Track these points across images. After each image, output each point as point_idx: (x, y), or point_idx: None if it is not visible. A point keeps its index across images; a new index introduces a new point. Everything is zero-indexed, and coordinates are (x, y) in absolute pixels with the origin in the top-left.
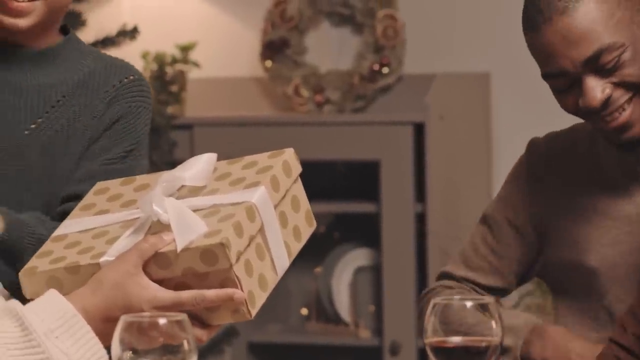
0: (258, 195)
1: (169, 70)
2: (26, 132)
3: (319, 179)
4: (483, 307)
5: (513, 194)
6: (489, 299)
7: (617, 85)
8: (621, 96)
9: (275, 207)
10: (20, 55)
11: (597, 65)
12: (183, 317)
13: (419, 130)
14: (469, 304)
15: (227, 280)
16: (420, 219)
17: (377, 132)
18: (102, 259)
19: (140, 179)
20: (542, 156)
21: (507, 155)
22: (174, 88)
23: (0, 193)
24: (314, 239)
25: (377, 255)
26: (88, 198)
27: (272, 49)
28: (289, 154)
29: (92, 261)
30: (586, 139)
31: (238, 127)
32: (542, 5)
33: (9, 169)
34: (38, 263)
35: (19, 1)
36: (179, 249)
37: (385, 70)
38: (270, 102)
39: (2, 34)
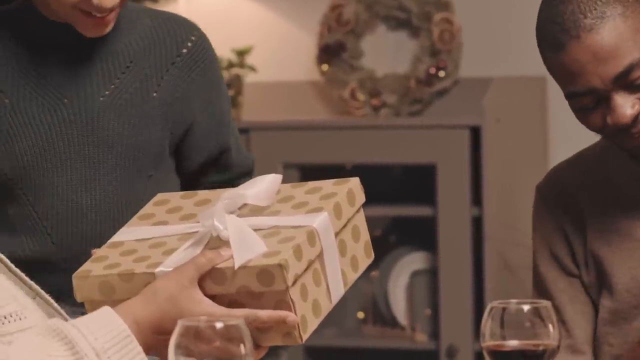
0: (320, 221)
1: (225, 74)
2: (101, 99)
3: (375, 183)
4: (540, 311)
5: (544, 241)
6: (545, 302)
7: None
8: None
9: (336, 234)
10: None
11: (626, 81)
12: (239, 321)
13: (476, 133)
14: (525, 307)
15: (281, 302)
16: (477, 223)
17: (434, 136)
18: (157, 269)
19: (202, 194)
20: (551, 198)
21: (563, 158)
22: (231, 92)
23: (81, 163)
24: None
25: (433, 258)
26: (147, 208)
27: (329, 52)
28: (354, 183)
29: (147, 270)
30: (595, 162)
31: (294, 131)
32: (567, 24)
33: (88, 138)
34: (92, 267)
35: (101, 17)
36: (236, 266)
37: (441, 73)
38: (327, 105)
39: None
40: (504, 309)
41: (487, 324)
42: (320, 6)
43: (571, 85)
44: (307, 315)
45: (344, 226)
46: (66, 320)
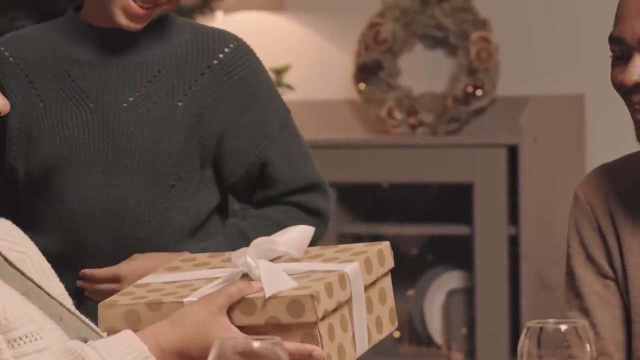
0: (351, 268)
1: None
2: (124, 105)
3: (412, 202)
4: (577, 331)
5: (581, 243)
6: (582, 322)
7: None
8: None
9: (365, 289)
10: (116, 34)
11: None
12: (277, 339)
13: (513, 152)
14: (563, 327)
15: (309, 336)
16: (514, 242)
17: (471, 155)
18: (186, 299)
19: (229, 254)
20: (589, 199)
21: None
22: None
23: (100, 167)
24: (406, 261)
25: (469, 277)
26: (174, 262)
27: (366, 71)
28: (385, 245)
29: (175, 300)
30: (637, 166)
31: (331, 149)
32: None
33: (108, 143)
34: (119, 298)
35: (145, 8)
36: (267, 295)
37: (478, 92)
38: (364, 124)
39: (104, 19)
40: (541, 329)
41: (525, 343)
42: (357, 25)
43: (614, 29)
44: (332, 356)
45: (373, 284)
46: (99, 335)
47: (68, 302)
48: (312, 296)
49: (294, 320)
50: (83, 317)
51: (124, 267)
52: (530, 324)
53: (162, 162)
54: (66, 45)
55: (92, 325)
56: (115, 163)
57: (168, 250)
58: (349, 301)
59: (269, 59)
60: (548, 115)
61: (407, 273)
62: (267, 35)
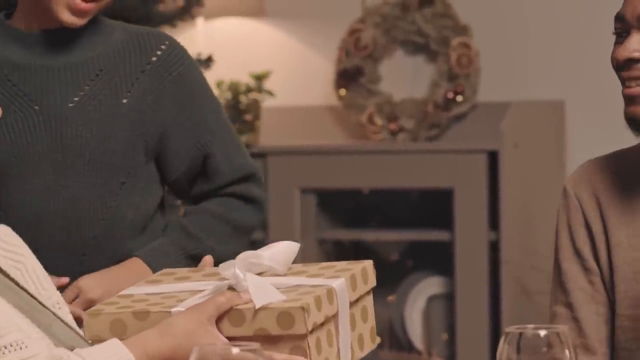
0: (338, 283)
1: (243, 99)
2: (70, 105)
3: (393, 207)
4: (556, 336)
5: (569, 236)
6: (562, 327)
7: None
8: None
9: (349, 305)
10: (52, 36)
11: None
12: (257, 345)
13: (493, 158)
14: (542, 332)
15: (297, 348)
16: (494, 248)
17: (451, 160)
18: (174, 309)
19: (210, 269)
20: (578, 192)
21: None
22: (248, 117)
23: (50, 169)
24: (387, 266)
25: (450, 283)
26: (154, 276)
27: (346, 77)
28: (368, 264)
29: (163, 309)
30: (627, 161)
31: (312, 155)
32: None
33: (57, 144)
34: (104, 307)
35: (87, 2)
36: (257, 307)
37: (459, 98)
38: (344, 130)
39: (39, 22)
40: (520, 334)
41: (504, 349)
42: (338, 31)
43: (620, 7)
44: None
45: (356, 302)
46: (90, 345)
47: (63, 311)
48: (302, 308)
49: (283, 332)
50: (75, 327)
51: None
52: (509, 329)
53: (112, 160)
54: (2, 50)
55: (82, 333)
56: (65, 163)
57: (120, 247)
58: (335, 316)
59: (249, 65)
60: (528, 121)
61: (388, 279)
62: (248, 42)
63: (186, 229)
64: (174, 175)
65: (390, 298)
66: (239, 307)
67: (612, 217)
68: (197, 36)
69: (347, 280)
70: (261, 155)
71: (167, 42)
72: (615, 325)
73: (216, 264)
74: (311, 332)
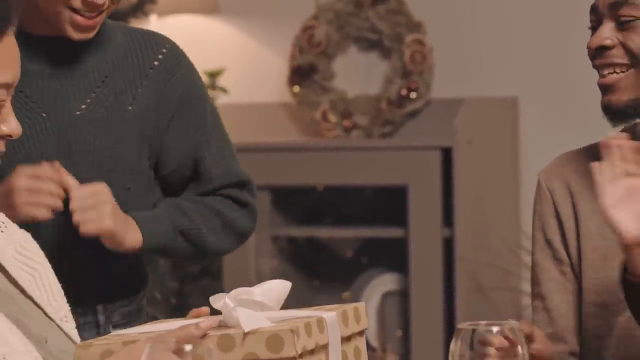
0: (329, 315)
1: None
2: (78, 113)
3: (347, 204)
4: (509, 332)
5: (541, 227)
6: (514, 323)
7: (622, 45)
8: (618, 57)
9: (341, 341)
10: (57, 42)
11: (616, 13)
12: (211, 346)
13: (447, 154)
14: (494, 329)
15: None
16: (448, 244)
17: (405, 157)
18: None
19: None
20: (550, 184)
21: (535, 179)
22: None
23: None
24: (342, 263)
25: (404, 280)
26: (145, 325)
27: (300, 74)
28: (361, 305)
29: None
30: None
31: (266, 152)
32: None
33: (65, 151)
34: (95, 340)
35: (93, 17)
36: (246, 330)
37: (413, 95)
38: (298, 127)
39: (43, 29)
40: (473, 331)
41: (457, 345)
42: (291, 28)
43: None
44: None
45: (348, 340)
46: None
47: (69, 326)
48: (292, 330)
49: (273, 356)
50: (77, 342)
51: None
52: (462, 325)
53: (119, 166)
54: None
55: (74, 337)
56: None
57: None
58: (325, 347)
59: (203, 62)
60: (482, 117)
61: (342, 275)
62: (201, 39)
63: (181, 207)
64: (163, 171)
65: (345, 295)
66: (229, 332)
67: (583, 206)
68: None
69: (339, 315)
70: None
71: (167, 46)
72: (583, 312)
73: (203, 254)
74: (301, 356)
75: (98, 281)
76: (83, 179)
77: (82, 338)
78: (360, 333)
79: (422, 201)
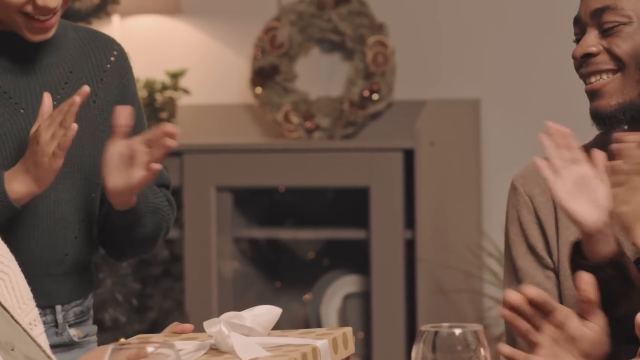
0: (322, 344)
1: (159, 97)
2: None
3: (309, 206)
4: (471, 335)
5: (520, 233)
6: (476, 326)
7: (607, 51)
8: (604, 63)
9: None
10: (17, 40)
11: (599, 21)
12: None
13: (409, 156)
14: (457, 331)
15: None
16: (410, 246)
17: (367, 159)
18: None
19: (188, 335)
20: (527, 189)
21: (497, 181)
22: (164, 115)
23: None
24: (303, 265)
25: (366, 281)
26: (131, 339)
27: (262, 75)
28: (348, 330)
29: None
30: None
31: (228, 153)
32: None
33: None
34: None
35: (44, 20)
36: (244, 359)
37: (375, 96)
38: (260, 128)
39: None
40: (435, 333)
41: (419, 347)
42: (254, 29)
43: (577, 12)
44: None
45: None
46: None
47: (37, 330)
48: (294, 358)
49: None
50: (47, 349)
51: None
52: (424, 327)
53: (89, 161)
54: None
55: (53, 357)
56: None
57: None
58: None
59: (165, 63)
60: (444, 119)
61: (304, 277)
62: (163, 39)
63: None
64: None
65: (306, 296)
66: None
67: (562, 214)
68: (112, 34)
69: (330, 344)
70: (177, 153)
71: (117, 44)
72: None
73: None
74: None
75: (58, 281)
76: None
77: None
78: (348, 358)
79: (384, 203)
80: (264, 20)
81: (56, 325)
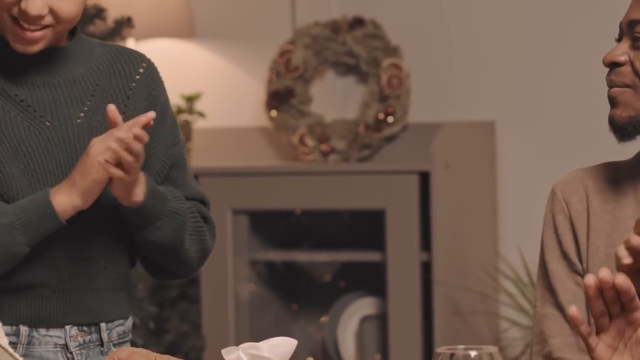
0: None
1: None
2: (78, 121)
3: (325, 228)
4: (487, 357)
5: (555, 238)
6: (492, 348)
7: (631, 64)
8: (623, 77)
9: None
10: (45, 55)
11: (633, 31)
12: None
13: (425, 179)
14: (472, 353)
15: None
16: (426, 268)
17: (383, 181)
18: None
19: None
20: (565, 196)
21: (513, 203)
22: None
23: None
24: (320, 287)
25: (383, 304)
26: None
27: (277, 98)
28: None
29: None
30: (616, 169)
31: (243, 177)
32: None
33: (73, 159)
34: None
35: (31, 30)
36: None
37: (390, 119)
38: (276, 151)
39: None
40: (451, 355)
41: None
42: (268, 52)
43: None
44: None
45: None
46: None
47: (2, 341)
48: None
49: None
50: (9, 349)
51: None
52: (440, 349)
53: None
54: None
55: (15, 354)
56: None
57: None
58: None
59: (180, 86)
60: (459, 141)
61: (321, 299)
62: (179, 63)
63: (174, 194)
64: (146, 172)
65: (323, 319)
66: None
67: (594, 224)
68: None
69: None
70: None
71: (146, 58)
72: None
73: (176, 251)
74: None
75: (100, 297)
76: None
77: (88, 357)
78: None
79: (400, 225)
80: (278, 44)
81: (102, 344)
